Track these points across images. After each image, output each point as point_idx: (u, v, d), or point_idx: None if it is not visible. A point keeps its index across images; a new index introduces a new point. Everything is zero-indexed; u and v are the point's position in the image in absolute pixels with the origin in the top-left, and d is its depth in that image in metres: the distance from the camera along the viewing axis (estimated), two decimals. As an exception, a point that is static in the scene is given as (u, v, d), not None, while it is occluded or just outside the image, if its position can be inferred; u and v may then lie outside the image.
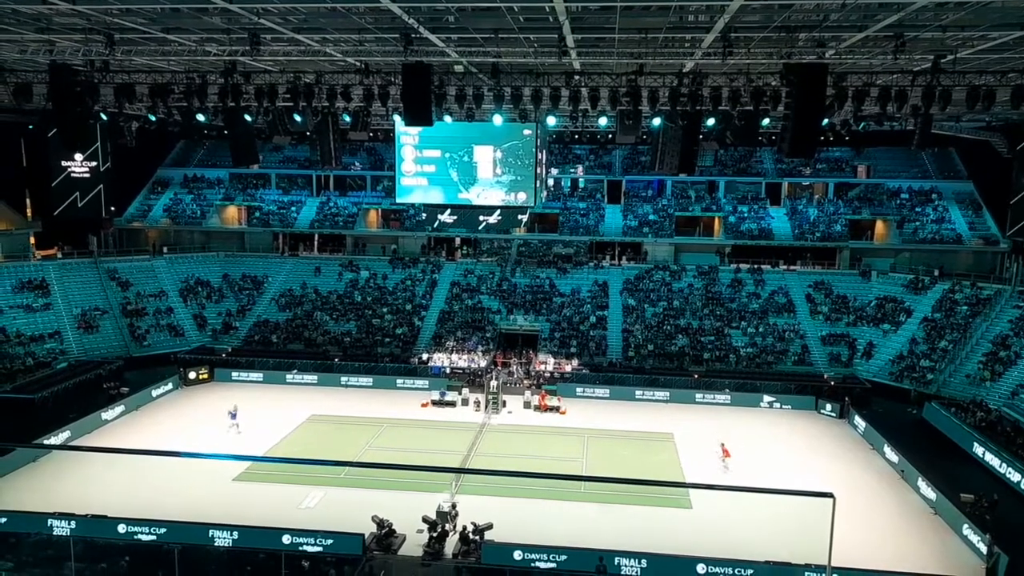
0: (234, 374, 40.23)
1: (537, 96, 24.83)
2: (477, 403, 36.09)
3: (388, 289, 47.97)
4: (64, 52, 22.11)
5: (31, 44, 21.88)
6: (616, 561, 20.47)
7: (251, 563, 20.32)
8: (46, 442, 28.42)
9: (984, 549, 21.35)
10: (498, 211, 36.70)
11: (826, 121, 29.72)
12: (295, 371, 40.23)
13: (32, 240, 47.24)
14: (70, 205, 43.16)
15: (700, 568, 20.31)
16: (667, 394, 38.05)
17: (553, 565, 20.64)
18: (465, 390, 37.38)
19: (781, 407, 37.10)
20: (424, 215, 48.66)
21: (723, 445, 29.30)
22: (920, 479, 26.59)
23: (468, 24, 18.99)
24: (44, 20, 19.52)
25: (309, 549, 21.07)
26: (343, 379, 39.80)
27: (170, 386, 37.87)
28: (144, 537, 21.51)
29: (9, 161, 46.90)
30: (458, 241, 52.22)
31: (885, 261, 47.56)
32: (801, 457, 30.48)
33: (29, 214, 48.52)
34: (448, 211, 36.86)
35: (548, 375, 39.71)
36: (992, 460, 28.19)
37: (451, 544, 21.81)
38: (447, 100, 25.76)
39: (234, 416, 31.88)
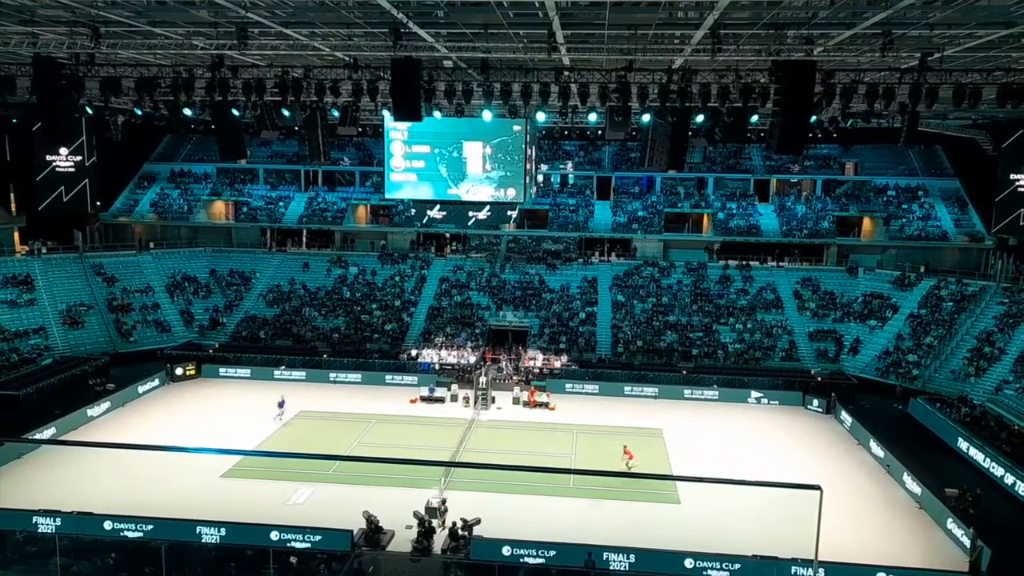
0: (222, 370, 40.01)
1: (527, 92, 24.77)
2: (466, 399, 36.04)
3: (377, 285, 47.82)
4: (48, 45, 21.84)
5: (14, 36, 21.64)
6: (605, 556, 20.55)
7: (238, 560, 20.20)
8: (31, 438, 28.17)
9: (968, 543, 21.56)
10: (487, 207, 36.63)
11: (814, 118, 29.88)
12: (283, 367, 40.04)
13: (16, 235, 46.75)
14: (55, 200, 42.36)
15: (688, 563, 20.40)
16: (656, 390, 38.19)
17: (542, 560, 20.68)
18: (454, 386, 37.35)
19: (769, 403, 37.31)
20: (413, 211, 48.63)
21: (625, 447, 28.56)
22: (905, 474, 26.85)
23: (458, 19, 18.95)
24: (27, 12, 19.30)
25: (297, 545, 21.02)
26: (331, 375, 39.73)
27: (157, 382, 37.60)
28: (131, 534, 21.41)
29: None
30: (447, 237, 52.10)
31: (872, 257, 47.86)
32: (788, 452, 30.66)
33: (13, 209, 48.00)
34: (437, 207, 36.75)
35: (537, 371, 39.74)
36: (976, 455, 28.47)
37: (440, 540, 21.81)
38: (436, 95, 25.68)
39: (282, 405, 33.29)
